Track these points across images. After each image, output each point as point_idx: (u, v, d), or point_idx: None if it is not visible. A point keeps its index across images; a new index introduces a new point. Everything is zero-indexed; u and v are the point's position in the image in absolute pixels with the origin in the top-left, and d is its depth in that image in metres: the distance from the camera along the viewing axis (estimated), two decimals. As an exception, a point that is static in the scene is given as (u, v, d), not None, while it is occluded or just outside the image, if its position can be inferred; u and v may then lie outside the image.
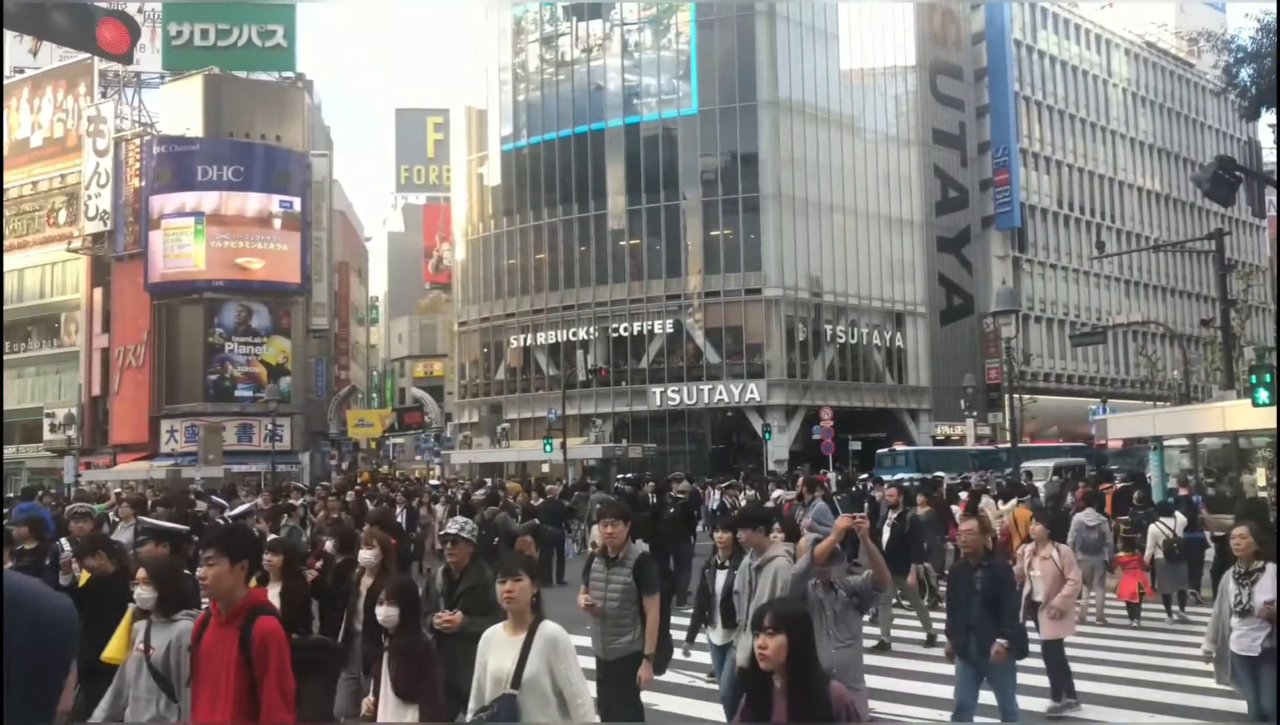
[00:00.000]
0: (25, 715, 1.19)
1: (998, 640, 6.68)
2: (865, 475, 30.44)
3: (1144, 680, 9.62)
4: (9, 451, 54.06)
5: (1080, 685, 8.84)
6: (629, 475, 32.25)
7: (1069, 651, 9.87)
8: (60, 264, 53.42)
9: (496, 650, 4.48)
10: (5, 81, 55.83)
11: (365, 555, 6.70)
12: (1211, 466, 20.98)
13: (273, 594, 6.63)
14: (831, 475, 35.44)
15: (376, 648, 5.35)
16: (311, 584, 7.20)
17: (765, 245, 48.12)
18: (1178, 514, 13.61)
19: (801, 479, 16.47)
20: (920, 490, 21.17)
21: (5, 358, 54.66)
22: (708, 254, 48.64)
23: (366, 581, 6.60)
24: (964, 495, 19.39)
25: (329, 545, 8.11)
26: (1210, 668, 10.09)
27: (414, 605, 5.08)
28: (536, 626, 4.43)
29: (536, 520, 15.84)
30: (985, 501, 17.96)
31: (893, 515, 12.12)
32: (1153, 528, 13.07)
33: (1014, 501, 16.98)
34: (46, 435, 50.48)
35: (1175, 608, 12.97)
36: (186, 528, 8.27)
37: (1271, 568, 6.57)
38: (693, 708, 8.84)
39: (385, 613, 4.97)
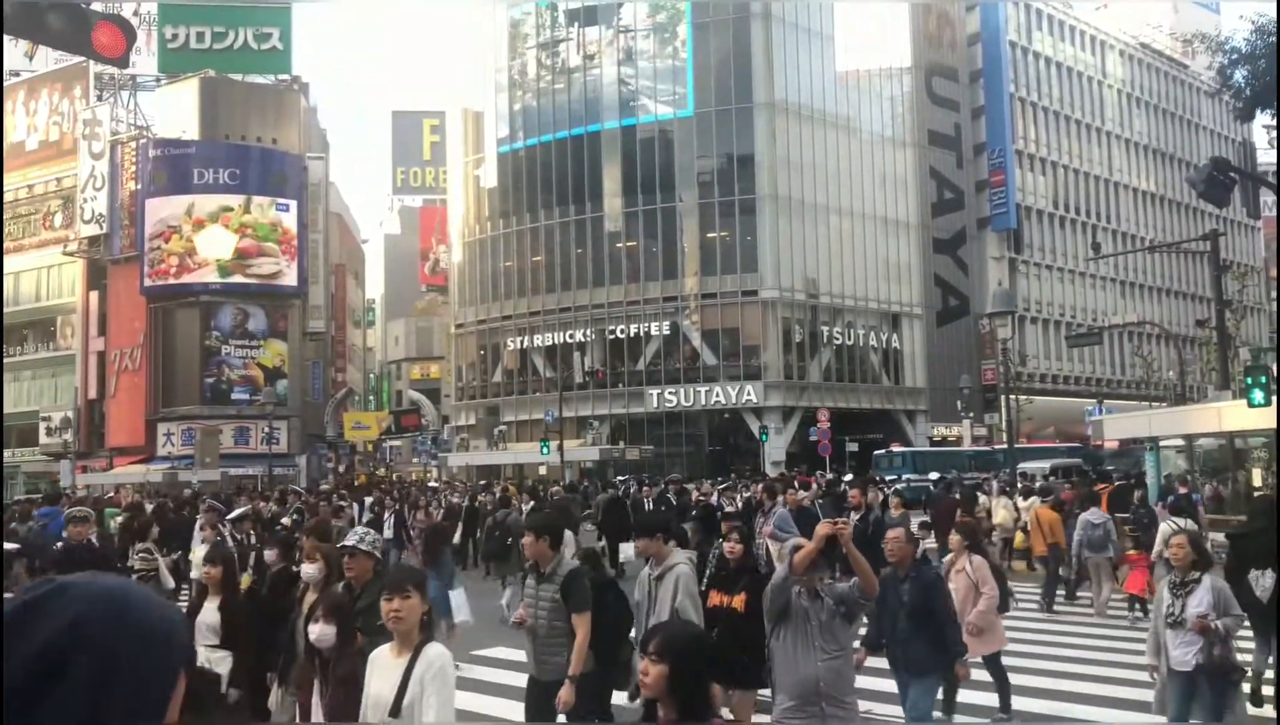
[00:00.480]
0: None
1: (961, 659, 6.52)
2: (849, 477, 30.43)
3: (1142, 681, 9.63)
4: (5, 455, 53.96)
5: (1080, 686, 8.88)
6: (621, 478, 32.30)
7: (1073, 653, 9.94)
8: (56, 267, 53.34)
9: (380, 673, 4.10)
10: (1, 85, 55.85)
11: (308, 570, 6.09)
12: (1207, 467, 21.04)
13: (210, 608, 6.28)
14: (832, 477, 35.58)
15: (311, 668, 5.00)
16: (247, 596, 6.80)
17: (762, 247, 48.15)
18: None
19: (761, 485, 16.05)
20: (932, 493, 21.27)
21: (2, 361, 54.65)
22: (704, 256, 48.67)
23: (311, 598, 6.00)
24: (982, 498, 19.38)
25: (269, 555, 7.52)
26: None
27: (351, 623, 4.77)
28: (421, 648, 4.04)
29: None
30: (1004, 501, 18.11)
31: (854, 517, 11.83)
32: (1163, 526, 13.15)
33: (1034, 499, 17.12)
34: (43, 439, 50.39)
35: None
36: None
37: (1207, 579, 6.35)
38: None
39: (320, 631, 4.63)
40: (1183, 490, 18.55)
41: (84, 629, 1.13)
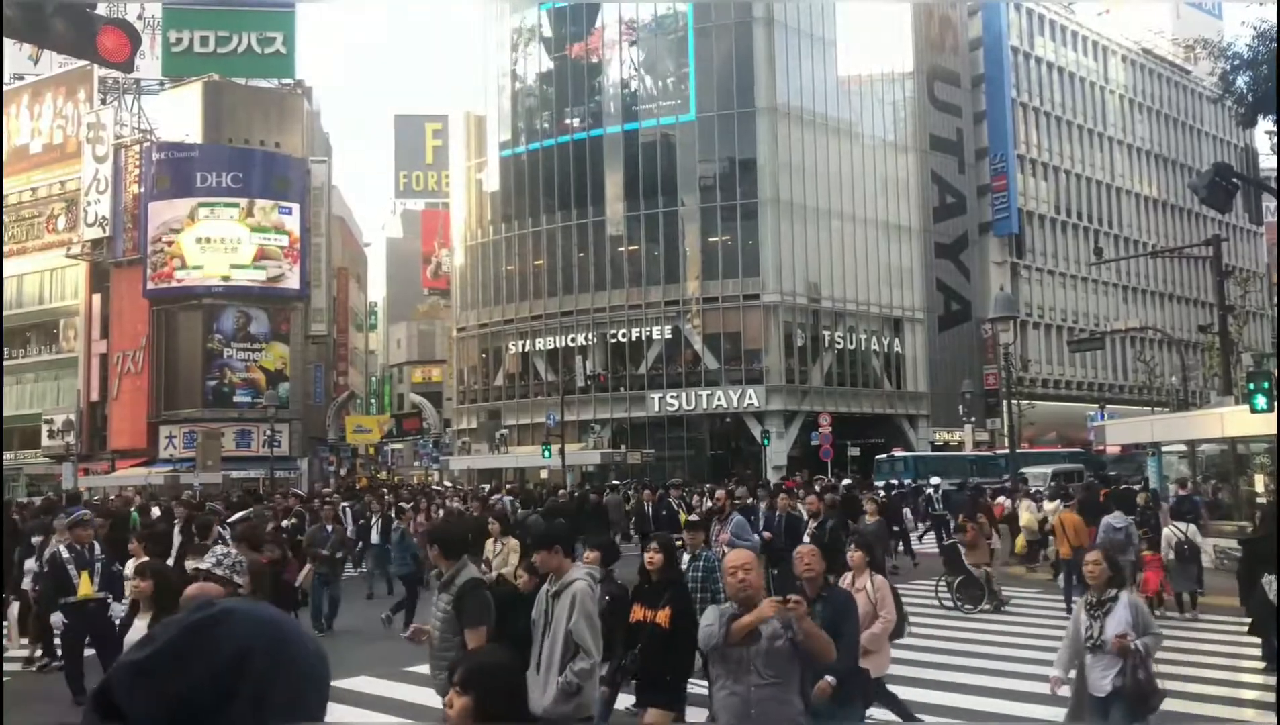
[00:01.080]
0: None
1: (825, 678, 5.80)
2: (847, 481, 30.37)
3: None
4: (7, 457, 54.01)
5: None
6: (617, 482, 32.26)
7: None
8: (59, 270, 53.42)
9: None
10: (6, 88, 55.99)
11: (139, 588, 5.74)
12: (1209, 472, 21.02)
13: (141, 626, 5.90)
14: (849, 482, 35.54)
15: None
16: None
17: (763, 251, 48.16)
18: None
19: (721, 492, 15.63)
20: (951, 497, 21.23)
21: (5, 364, 54.72)
22: (706, 260, 48.69)
23: (141, 622, 5.69)
24: (1003, 501, 19.30)
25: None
26: (1218, 674, 10.15)
27: None
28: None
29: (562, 521, 15.96)
30: (1027, 503, 18.22)
31: (812, 525, 11.43)
32: (1166, 530, 13.78)
33: (1058, 503, 17.29)
34: (45, 441, 50.44)
35: (1188, 607, 13.76)
36: None
37: (1125, 597, 6.01)
38: None
39: None
40: (1182, 492, 18.76)
41: (250, 659, 1.12)
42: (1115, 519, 13.57)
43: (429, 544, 5.88)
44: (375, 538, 17.63)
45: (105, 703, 1.09)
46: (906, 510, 24.14)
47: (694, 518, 9.61)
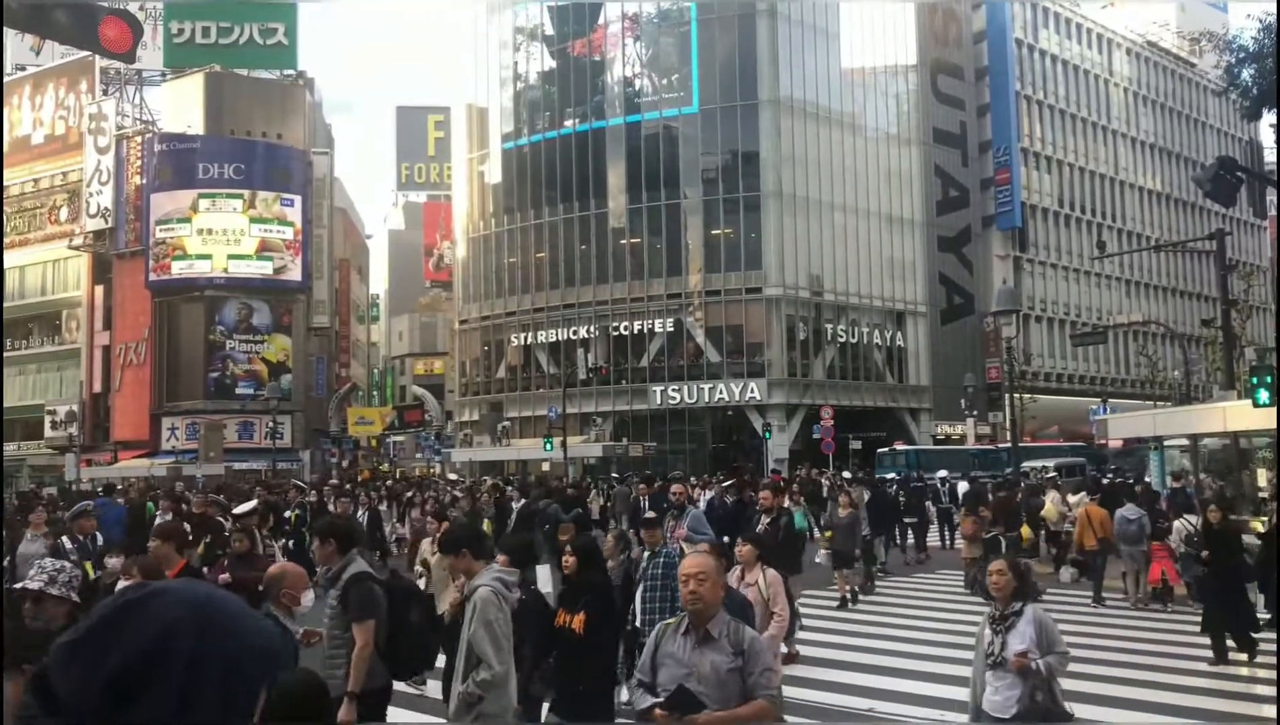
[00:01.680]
0: None
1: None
2: (847, 474, 30.27)
3: (1146, 681, 9.64)
4: (10, 449, 54.09)
5: (1085, 685, 8.86)
6: (618, 474, 32.22)
7: (1083, 643, 9.91)
8: (62, 261, 53.45)
9: None
10: (8, 79, 55.95)
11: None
12: (1212, 467, 21.01)
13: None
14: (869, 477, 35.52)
15: None
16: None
17: (766, 244, 48.12)
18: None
19: (678, 487, 14.67)
20: (974, 489, 21.24)
21: (7, 355, 54.79)
22: (708, 253, 48.65)
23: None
24: (1044, 497, 19.25)
25: (122, 572, 6.54)
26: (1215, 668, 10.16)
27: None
28: None
29: (580, 510, 15.96)
30: (1052, 496, 18.37)
31: (765, 520, 10.69)
32: (1177, 523, 14.09)
33: (1083, 495, 17.55)
34: (48, 432, 50.52)
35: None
36: None
37: (1030, 611, 5.54)
38: None
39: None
40: (1176, 484, 19.34)
41: (176, 637, 1.13)
42: (1129, 512, 14.30)
43: (320, 539, 5.62)
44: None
45: (44, 685, 1.12)
46: (928, 503, 24.01)
47: (650, 515, 9.30)
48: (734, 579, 6.88)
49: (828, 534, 14.21)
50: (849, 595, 14.49)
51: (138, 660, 1.12)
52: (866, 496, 18.01)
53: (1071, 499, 17.95)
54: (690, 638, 4.10)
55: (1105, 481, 24.12)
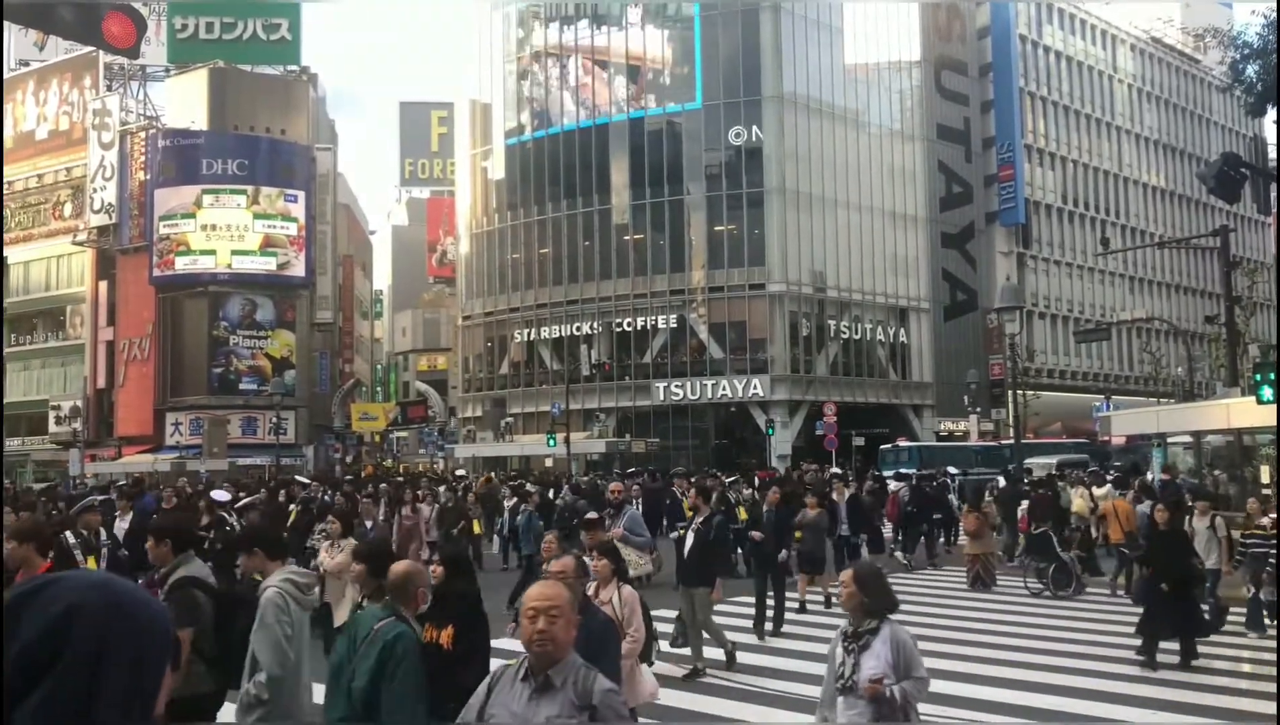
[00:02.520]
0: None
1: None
2: (835, 470, 30.20)
3: (1152, 679, 9.64)
4: (14, 444, 54.22)
5: (1092, 683, 8.88)
6: (617, 470, 32.17)
7: (1086, 636, 9.93)
8: (65, 257, 53.54)
9: None
10: (11, 75, 56.03)
11: None
12: (1216, 464, 21.01)
13: None
14: (837, 471, 35.50)
15: None
16: None
17: (769, 240, 48.10)
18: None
19: (614, 486, 13.30)
20: (1003, 489, 21.35)
21: (11, 350, 54.94)
22: (711, 249, 48.63)
23: None
24: (1070, 490, 19.31)
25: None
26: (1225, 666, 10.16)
27: None
28: None
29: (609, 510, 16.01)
30: (1080, 490, 18.51)
31: (697, 520, 10.22)
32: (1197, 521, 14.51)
33: (1107, 488, 18.02)
34: (52, 427, 50.64)
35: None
36: None
37: (887, 629, 4.89)
38: (700, 702, 8.87)
39: None
40: (1165, 477, 20.10)
41: (79, 618, 1.16)
42: (1146, 508, 14.71)
43: (156, 539, 5.42)
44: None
45: None
46: (953, 498, 23.98)
47: (591, 515, 9.00)
48: (590, 592, 6.20)
49: (797, 535, 13.36)
50: (804, 604, 13.84)
51: (40, 642, 1.13)
52: (847, 494, 17.78)
53: (1098, 492, 18.21)
54: (528, 685, 3.34)
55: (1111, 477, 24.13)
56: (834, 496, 17.03)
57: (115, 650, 1.16)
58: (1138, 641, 10.34)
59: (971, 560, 16.27)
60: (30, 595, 1.18)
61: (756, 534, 12.43)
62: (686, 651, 9.99)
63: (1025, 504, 17.96)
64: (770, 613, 12.08)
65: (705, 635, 10.03)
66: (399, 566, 5.17)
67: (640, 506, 16.03)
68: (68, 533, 9.97)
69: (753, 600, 12.21)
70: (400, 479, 26.54)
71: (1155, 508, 11.15)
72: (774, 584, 12.25)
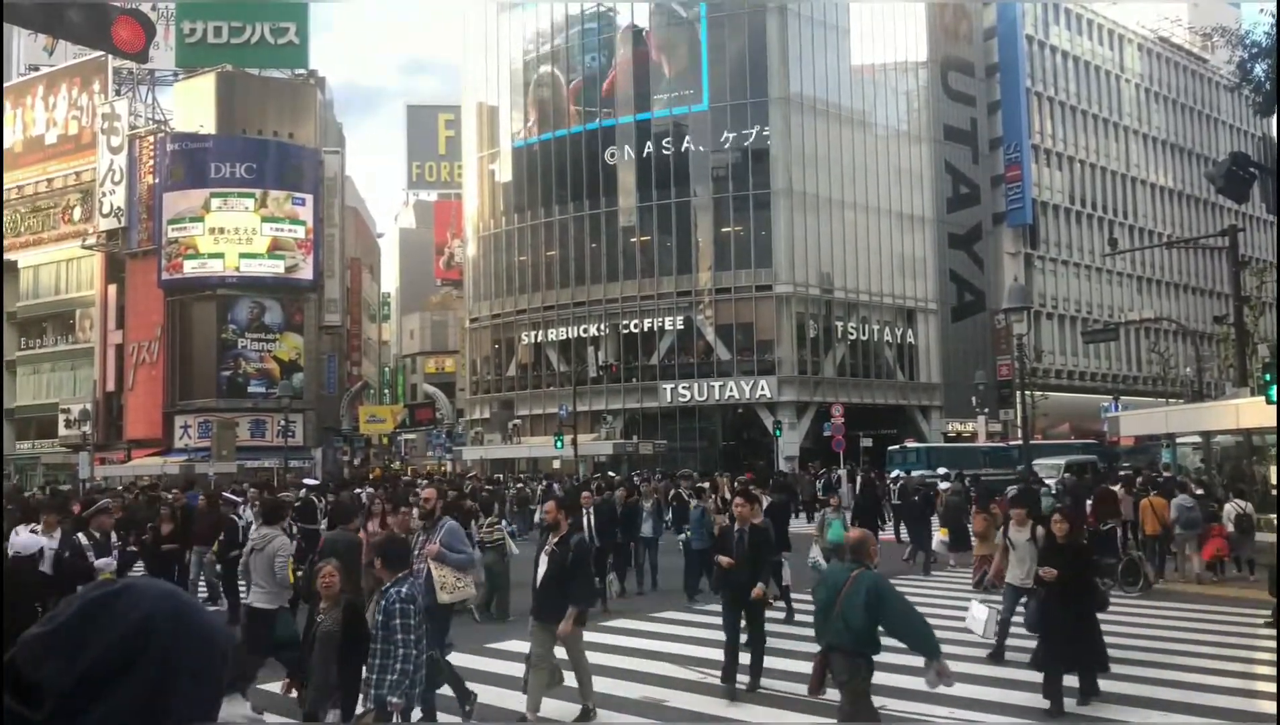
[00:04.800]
0: None
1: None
2: (823, 471, 29.98)
3: (1152, 679, 9.62)
4: (24, 447, 54.45)
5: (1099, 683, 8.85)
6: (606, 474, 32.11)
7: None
8: (75, 260, 53.75)
9: None
10: (21, 79, 56.31)
11: None
12: (1225, 464, 20.94)
13: None
14: (844, 472, 35.49)
15: None
16: None
17: (776, 241, 48.08)
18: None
19: (430, 490, 11.29)
20: (1067, 484, 21.74)
21: (21, 353, 55.18)
22: (718, 250, 48.63)
23: None
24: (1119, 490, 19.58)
25: None
26: (1230, 665, 10.13)
27: None
28: None
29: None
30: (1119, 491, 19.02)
31: (551, 540, 8.30)
32: (1228, 506, 15.95)
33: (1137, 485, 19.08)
34: (61, 431, 50.81)
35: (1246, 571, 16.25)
36: None
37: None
38: (704, 704, 8.87)
39: None
40: (1166, 474, 21.13)
41: (153, 628, 1.16)
42: (1184, 500, 16.14)
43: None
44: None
45: (12, 677, 1.13)
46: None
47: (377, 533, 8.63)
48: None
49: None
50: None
51: (116, 650, 1.13)
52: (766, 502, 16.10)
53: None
54: None
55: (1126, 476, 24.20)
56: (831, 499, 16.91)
57: (182, 662, 1.16)
58: (1142, 642, 10.31)
59: (979, 562, 16.26)
60: (105, 601, 1.17)
61: (724, 559, 9.38)
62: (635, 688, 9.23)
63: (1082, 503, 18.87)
64: (747, 661, 9.20)
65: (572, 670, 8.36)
66: (855, 533, 7.25)
67: (592, 517, 13.83)
68: (80, 534, 10.05)
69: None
70: (407, 480, 26.65)
71: (1053, 518, 9.30)
72: (750, 624, 9.31)
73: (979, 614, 9.41)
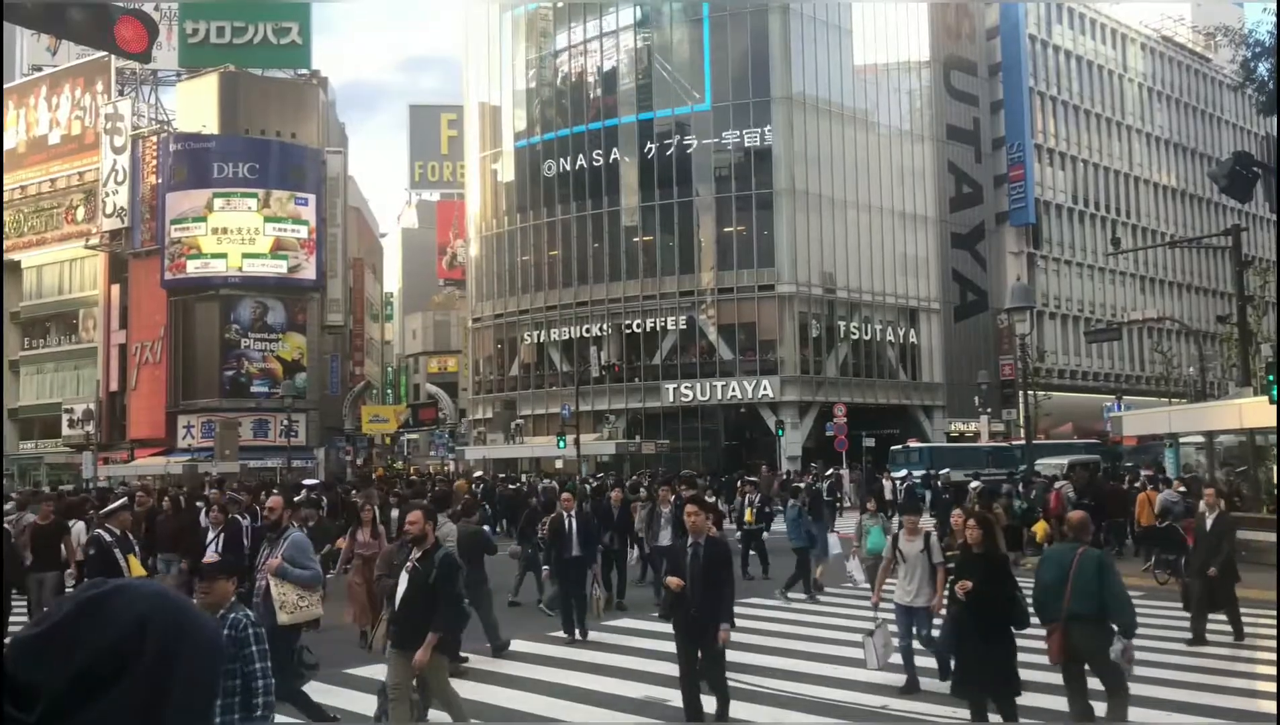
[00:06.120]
0: None
1: None
2: (813, 467, 29.94)
3: (1152, 678, 9.61)
4: (28, 447, 54.53)
5: (1093, 682, 8.81)
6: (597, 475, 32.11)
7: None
8: (78, 261, 53.81)
9: None
10: (24, 79, 56.38)
11: None
12: (1228, 463, 20.90)
13: None
14: (846, 472, 35.48)
15: None
16: None
17: (778, 241, 48.07)
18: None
19: (275, 499, 9.78)
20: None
21: (24, 354, 55.25)
22: (721, 250, 48.62)
23: None
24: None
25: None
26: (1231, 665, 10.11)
27: None
28: None
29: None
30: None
31: (414, 555, 7.22)
32: (1203, 503, 16.49)
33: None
34: (65, 431, 50.90)
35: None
36: None
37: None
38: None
39: None
40: (1148, 472, 22.56)
41: (149, 628, 1.15)
42: (1170, 494, 17.13)
43: None
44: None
45: (4, 679, 1.11)
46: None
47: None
48: None
49: None
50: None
51: (108, 652, 1.12)
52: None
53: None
54: None
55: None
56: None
57: (178, 662, 1.15)
58: (1142, 641, 10.24)
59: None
60: (99, 601, 1.16)
61: (673, 580, 7.75)
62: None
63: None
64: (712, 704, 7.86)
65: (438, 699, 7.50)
66: (1076, 514, 8.02)
67: (574, 523, 12.06)
68: (101, 531, 10.11)
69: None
70: (416, 479, 26.77)
71: (966, 523, 8.14)
72: (707, 665, 7.73)
73: (868, 644, 8.86)
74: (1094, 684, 7.44)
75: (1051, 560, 7.65)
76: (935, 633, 9.29)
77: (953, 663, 8.21)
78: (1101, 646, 7.20)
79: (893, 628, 9.17)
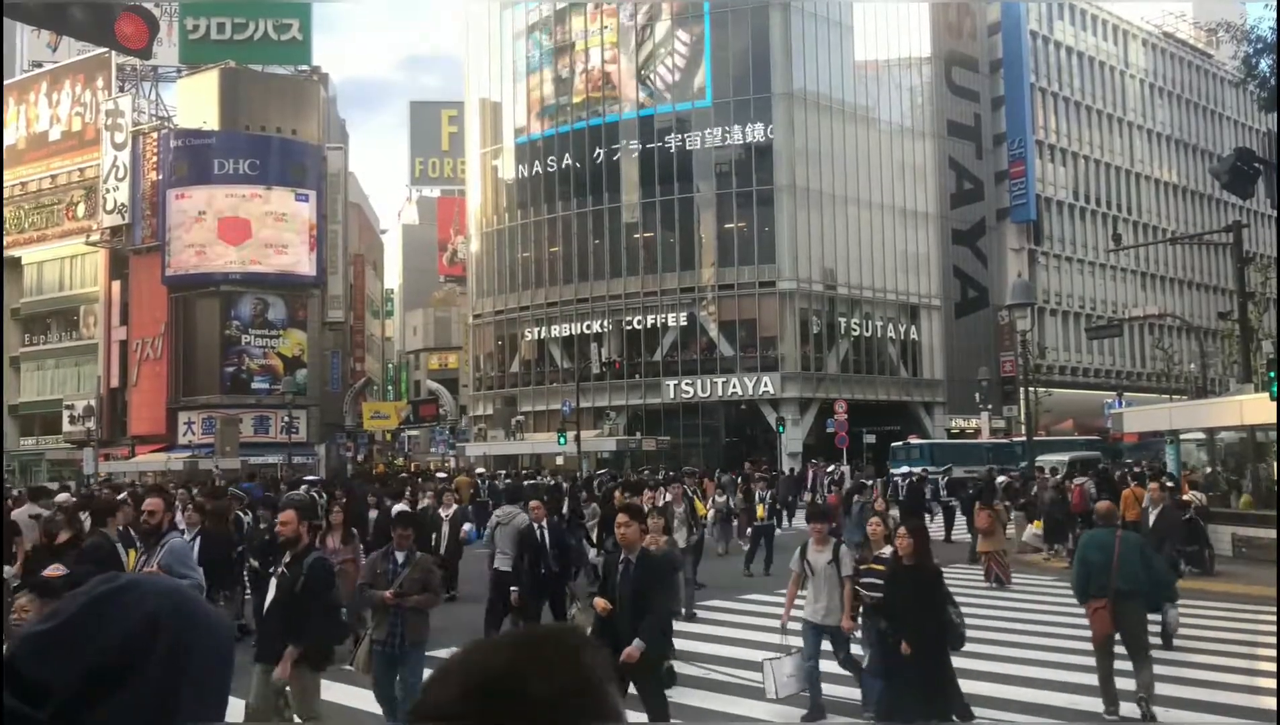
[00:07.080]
0: None
1: None
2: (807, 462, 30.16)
3: (1163, 675, 9.61)
4: (29, 443, 54.57)
5: (1094, 679, 8.83)
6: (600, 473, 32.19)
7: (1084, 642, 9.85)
8: (79, 257, 53.82)
9: None
10: (24, 75, 56.36)
11: None
12: (1229, 460, 20.91)
13: None
14: (847, 469, 35.51)
15: None
16: None
17: (779, 238, 48.05)
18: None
19: (151, 500, 8.46)
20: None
21: (25, 350, 55.30)
22: (721, 247, 48.61)
23: None
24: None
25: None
26: (1231, 661, 10.12)
27: None
28: None
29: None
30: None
31: (284, 560, 6.73)
32: (1186, 496, 17.02)
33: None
34: (66, 427, 50.93)
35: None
36: None
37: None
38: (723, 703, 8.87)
39: None
40: (1136, 468, 23.05)
41: (160, 624, 1.14)
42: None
43: None
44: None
45: (11, 675, 1.10)
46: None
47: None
48: None
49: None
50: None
51: (119, 649, 1.11)
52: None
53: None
54: None
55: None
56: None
57: (189, 658, 1.14)
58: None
59: (986, 559, 16.30)
60: (110, 597, 1.15)
61: (600, 602, 6.88)
62: None
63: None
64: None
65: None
66: (1104, 504, 9.13)
67: (547, 534, 10.85)
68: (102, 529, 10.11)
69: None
70: (389, 476, 26.78)
71: (898, 531, 7.57)
72: (643, 698, 6.64)
73: (767, 669, 7.91)
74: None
75: (1094, 544, 8.50)
76: (857, 650, 8.32)
77: (880, 690, 7.34)
78: (1141, 620, 8.19)
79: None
